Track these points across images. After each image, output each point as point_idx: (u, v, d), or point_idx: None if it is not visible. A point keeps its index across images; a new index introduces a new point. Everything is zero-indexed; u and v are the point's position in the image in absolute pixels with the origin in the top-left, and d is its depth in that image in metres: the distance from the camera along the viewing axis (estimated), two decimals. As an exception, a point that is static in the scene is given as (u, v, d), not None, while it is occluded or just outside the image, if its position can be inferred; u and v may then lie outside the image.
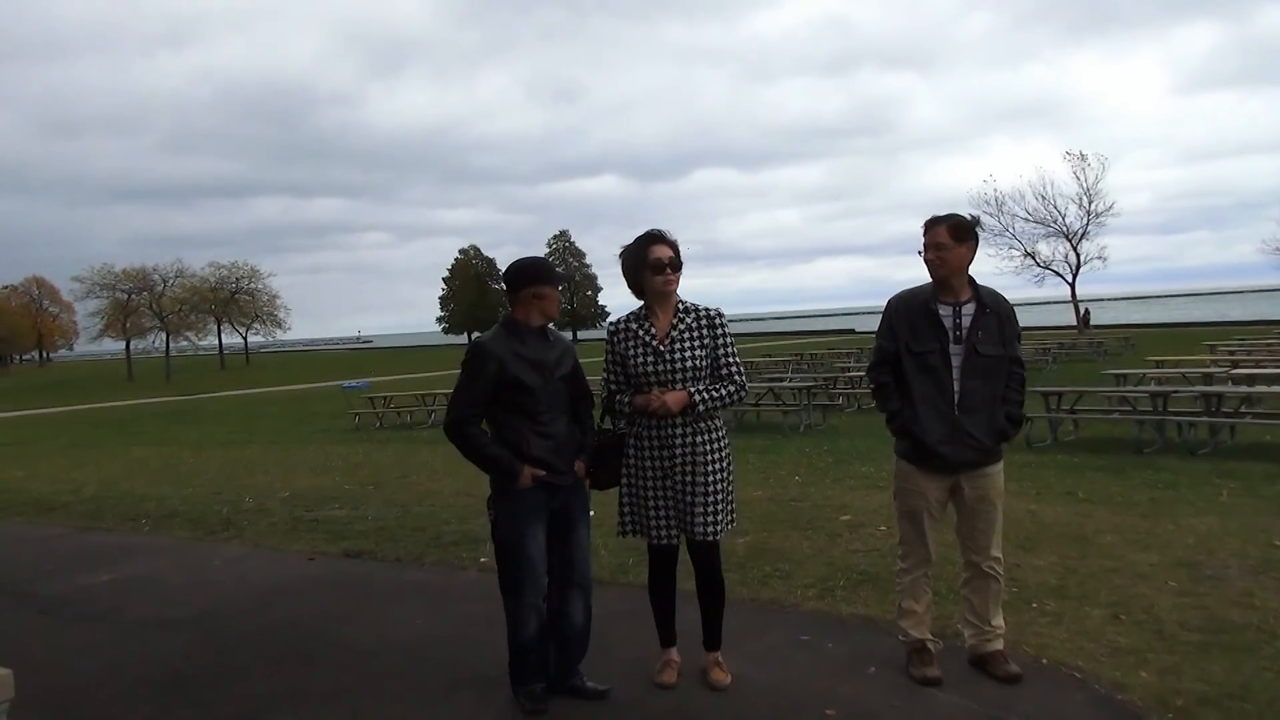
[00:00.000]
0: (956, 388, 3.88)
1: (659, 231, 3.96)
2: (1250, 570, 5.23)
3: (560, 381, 3.92)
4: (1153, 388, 12.31)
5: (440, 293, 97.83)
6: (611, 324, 4.08)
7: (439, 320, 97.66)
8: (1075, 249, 46.57)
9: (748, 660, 4.24)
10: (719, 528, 3.92)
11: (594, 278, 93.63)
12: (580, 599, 3.99)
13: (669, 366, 3.85)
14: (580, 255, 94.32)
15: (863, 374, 18.78)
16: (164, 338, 60.86)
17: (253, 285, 67.73)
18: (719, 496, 3.90)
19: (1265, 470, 8.49)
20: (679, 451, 3.86)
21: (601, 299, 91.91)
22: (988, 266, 50.18)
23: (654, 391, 3.83)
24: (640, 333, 3.93)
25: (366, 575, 6.26)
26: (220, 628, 5.26)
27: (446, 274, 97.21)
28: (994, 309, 3.90)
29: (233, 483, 10.96)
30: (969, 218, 4.01)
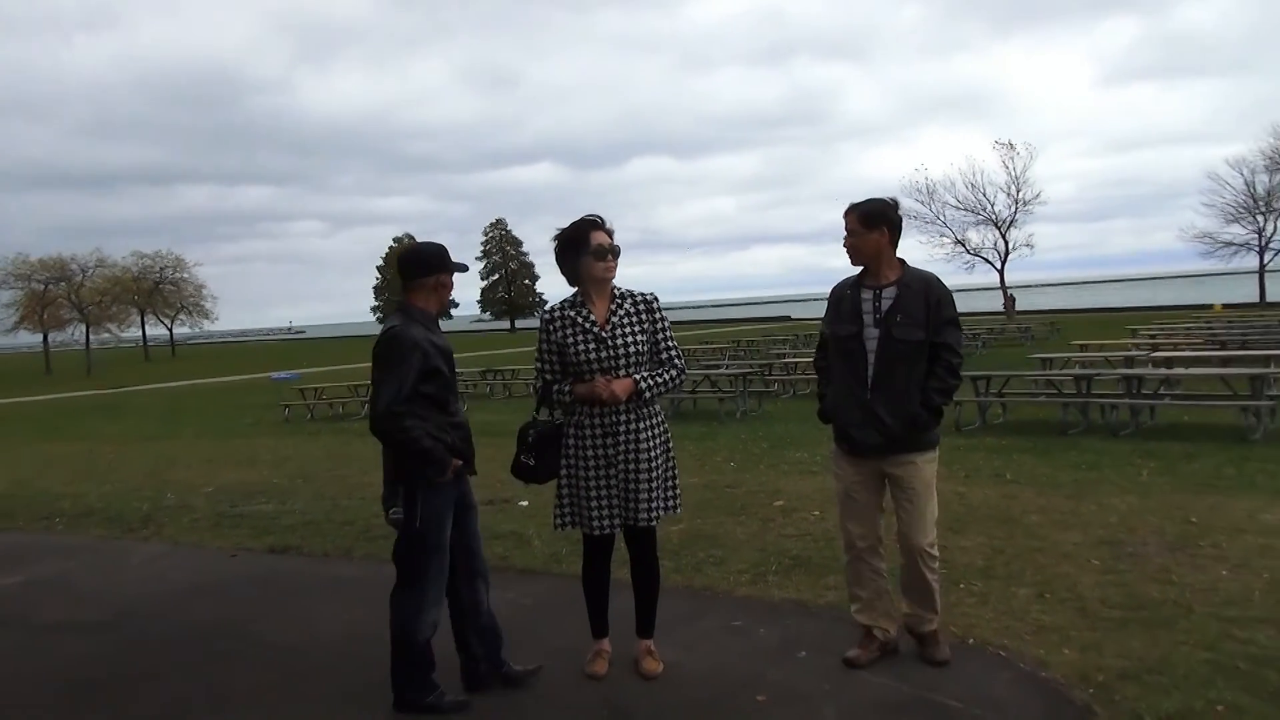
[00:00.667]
0: (870, 372, 3.88)
1: (598, 218, 3.91)
2: (1168, 547, 5.37)
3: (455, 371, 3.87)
4: (1077, 371, 12.63)
5: (374, 282, 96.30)
6: (546, 312, 3.97)
7: (373, 310, 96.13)
8: (1004, 236, 47.74)
9: (680, 648, 4.21)
10: (663, 511, 3.92)
11: (531, 266, 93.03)
12: (485, 588, 3.97)
13: (612, 353, 3.80)
14: (517, 244, 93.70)
15: (797, 361, 18.99)
16: (84, 330, 58.79)
17: (178, 275, 65.78)
18: (662, 481, 3.90)
19: (1183, 449, 8.76)
20: (623, 439, 3.81)
21: (539, 287, 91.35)
22: (919, 253, 51.11)
23: (599, 380, 3.76)
24: (579, 319, 3.85)
25: (292, 571, 6.09)
26: (135, 629, 5.05)
27: (380, 263, 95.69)
28: (920, 293, 3.83)
29: (154, 478, 10.61)
30: (887, 201, 3.94)
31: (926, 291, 3.84)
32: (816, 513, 6.78)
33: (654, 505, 3.87)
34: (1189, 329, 21.51)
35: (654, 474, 3.85)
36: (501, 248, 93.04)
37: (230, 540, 7.05)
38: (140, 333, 68.83)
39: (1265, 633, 4.01)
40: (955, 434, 10.43)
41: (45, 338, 58.95)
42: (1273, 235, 43.08)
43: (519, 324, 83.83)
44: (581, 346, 3.81)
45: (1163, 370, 12.73)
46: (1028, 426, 10.97)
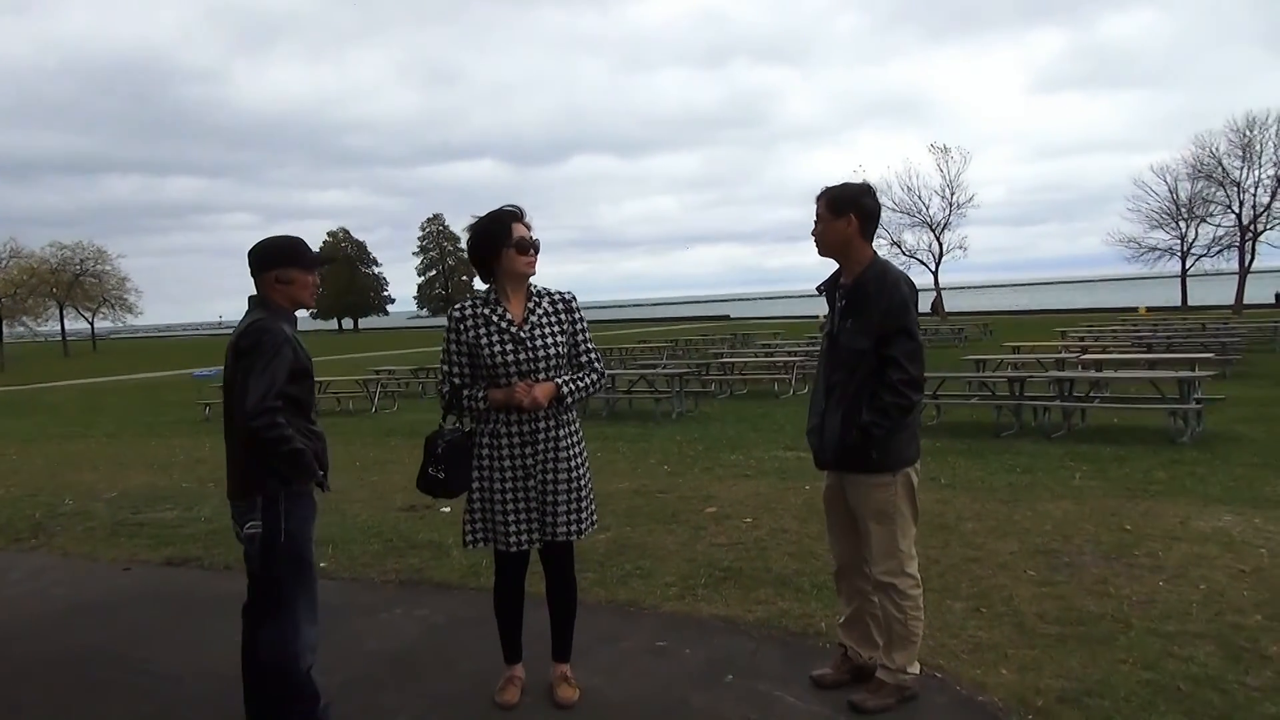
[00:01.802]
0: (823, 379, 3.62)
1: (517, 208, 3.60)
2: (1104, 556, 5.25)
3: None
4: (1010, 374, 12.66)
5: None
6: (456, 309, 3.62)
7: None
8: (938, 238, 48.49)
9: (599, 672, 3.93)
10: (582, 527, 3.63)
11: (469, 262, 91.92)
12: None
13: (531, 355, 3.50)
14: (455, 239, 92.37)
15: (734, 361, 18.86)
16: (-3, 322, 56.33)
17: (99, 267, 63.22)
18: (582, 494, 3.61)
19: (1114, 452, 8.77)
20: (542, 448, 3.53)
21: (477, 284, 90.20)
22: (857, 254, 51.50)
23: (518, 385, 3.45)
24: (494, 318, 3.54)
25: (188, 586, 5.65)
26: (3, 655, 4.60)
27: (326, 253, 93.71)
28: (874, 295, 3.38)
29: (55, 481, 9.97)
30: (860, 186, 3.54)
31: (880, 293, 3.38)
32: (749, 520, 6.56)
33: (572, 519, 3.59)
34: (1116, 331, 21.92)
35: (573, 486, 3.58)
36: (439, 243, 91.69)
37: (126, 551, 6.57)
38: (59, 327, 66.20)
39: (1204, 649, 3.88)
40: (890, 436, 10.31)
41: (-44, 331, 56.39)
42: (1194, 241, 44.39)
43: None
44: (498, 348, 3.50)
45: (1093, 373, 12.85)
46: (962, 428, 10.93)
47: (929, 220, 48.22)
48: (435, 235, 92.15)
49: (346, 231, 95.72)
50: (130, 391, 27.12)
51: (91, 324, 68.77)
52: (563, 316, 3.62)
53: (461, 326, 3.56)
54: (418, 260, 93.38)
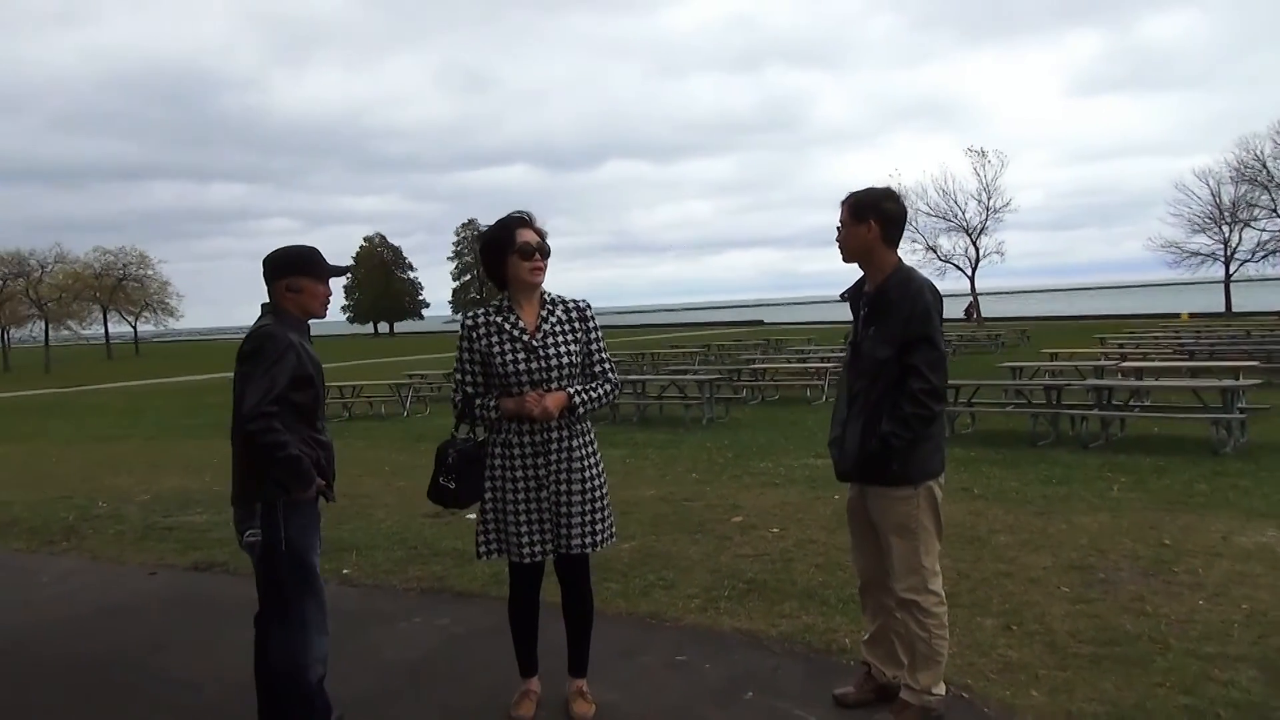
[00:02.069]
0: (845, 389, 3.54)
1: (526, 214, 3.54)
2: (1141, 573, 5.09)
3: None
4: (1047, 381, 12.43)
5: (344, 281, 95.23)
6: (469, 317, 3.56)
7: (344, 309, 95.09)
8: (975, 243, 47.93)
9: (616, 686, 3.86)
10: (598, 539, 3.55)
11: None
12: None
13: (543, 364, 3.43)
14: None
15: (766, 367, 18.72)
16: (43, 326, 57.48)
17: (141, 272, 64.37)
18: (598, 505, 3.54)
19: (1153, 463, 8.54)
20: (554, 458, 3.46)
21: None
22: (892, 259, 51.06)
23: (529, 395, 3.39)
24: (507, 326, 3.47)
25: (213, 592, 5.67)
26: (27, 659, 4.62)
27: (351, 261, 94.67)
28: (897, 302, 3.27)
29: (90, 483, 10.11)
30: (884, 191, 3.44)
31: (903, 300, 3.27)
32: (776, 530, 6.46)
33: (587, 531, 3.52)
34: (1157, 338, 21.48)
35: (587, 496, 3.51)
36: (473, 248, 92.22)
37: (154, 555, 6.62)
38: (103, 330, 67.48)
39: (1246, 673, 3.72)
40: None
41: (4, 334, 57.65)
42: (1238, 246, 43.49)
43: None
44: (510, 356, 3.44)
45: (1133, 381, 12.58)
46: (997, 437, 10.73)
47: (965, 225, 47.72)
48: (469, 240, 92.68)
49: (382, 236, 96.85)
50: (170, 394, 27.52)
51: (134, 327, 70.07)
52: (576, 325, 3.55)
53: (474, 335, 3.50)
54: (452, 265, 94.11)
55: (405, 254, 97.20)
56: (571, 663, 3.71)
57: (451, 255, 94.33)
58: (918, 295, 3.27)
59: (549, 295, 3.58)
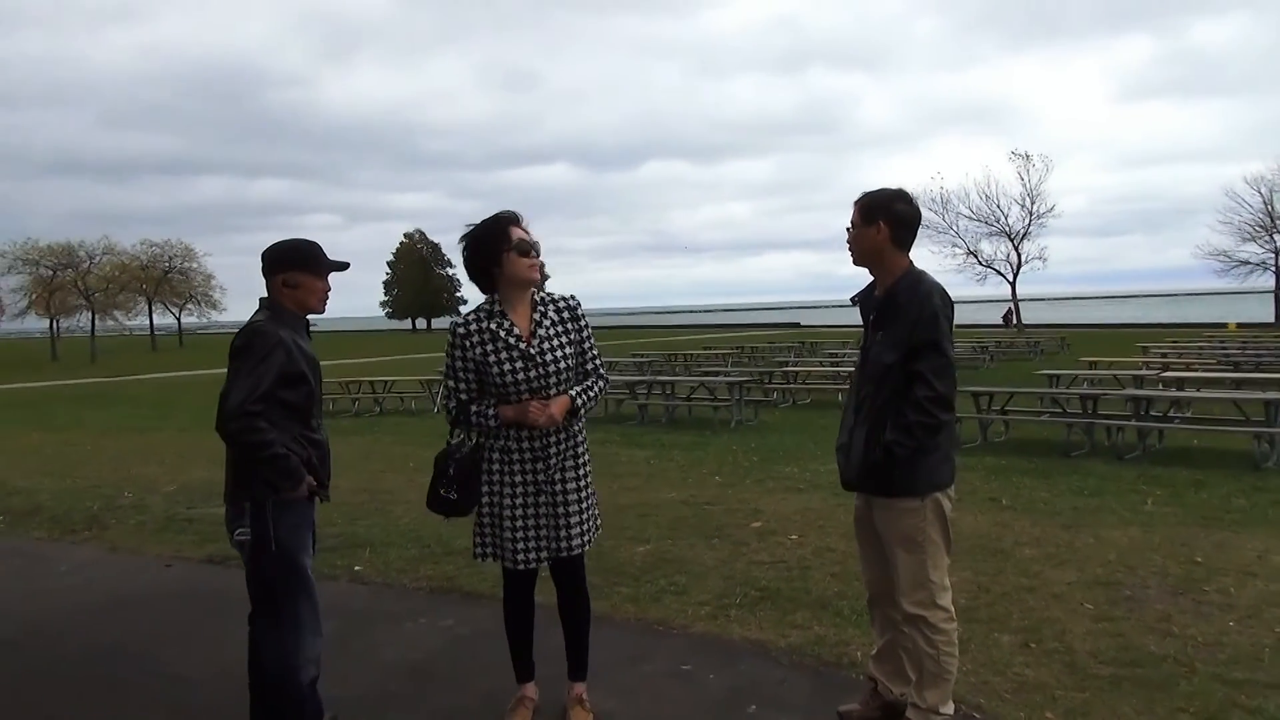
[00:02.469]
0: (854, 395, 3.43)
1: (514, 213, 3.47)
2: (1169, 591, 4.91)
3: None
4: (1083, 390, 12.14)
5: (384, 277, 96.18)
6: (459, 323, 3.45)
7: (382, 305, 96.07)
8: (1017, 249, 47.16)
9: (616, 694, 3.77)
10: (590, 537, 3.52)
11: (541, 265, 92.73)
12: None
13: (541, 372, 3.35)
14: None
15: (798, 370, 18.53)
16: (90, 316, 58.66)
17: (186, 265, 65.45)
18: (588, 504, 3.52)
19: (1190, 477, 8.28)
20: (554, 463, 3.41)
21: (549, 287, 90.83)
22: (930, 263, 50.46)
23: (533, 404, 3.32)
24: (501, 333, 3.37)
25: (225, 585, 5.63)
26: (35, 649, 4.63)
27: (391, 258, 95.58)
28: (905, 306, 3.16)
29: (120, 473, 10.23)
30: (895, 192, 3.30)
31: (911, 304, 3.16)
32: (795, 537, 6.34)
33: (584, 530, 3.49)
34: (1202, 348, 20.95)
35: (582, 496, 3.48)
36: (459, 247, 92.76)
37: (171, 547, 6.65)
38: (148, 322, 68.72)
39: (1275, 701, 3.55)
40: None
41: (53, 324, 58.85)
42: (1290, 254, 42.35)
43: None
44: (507, 366, 3.34)
45: (1173, 391, 12.24)
46: (1030, 446, 10.49)
47: (1007, 229, 46.94)
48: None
49: (422, 233, 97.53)
50: (209, 385, 27.84)
51: (179, 319, 71.25)
52: (569, 325, 3.48)
53: (467, 343, 3.39)
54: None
55: (444, 251, 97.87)
56: (571, 667, 3.64)
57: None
58: (926, 299, 3.14)
59: (538, 294, 3.51)
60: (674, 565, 5.68)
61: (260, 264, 3.34)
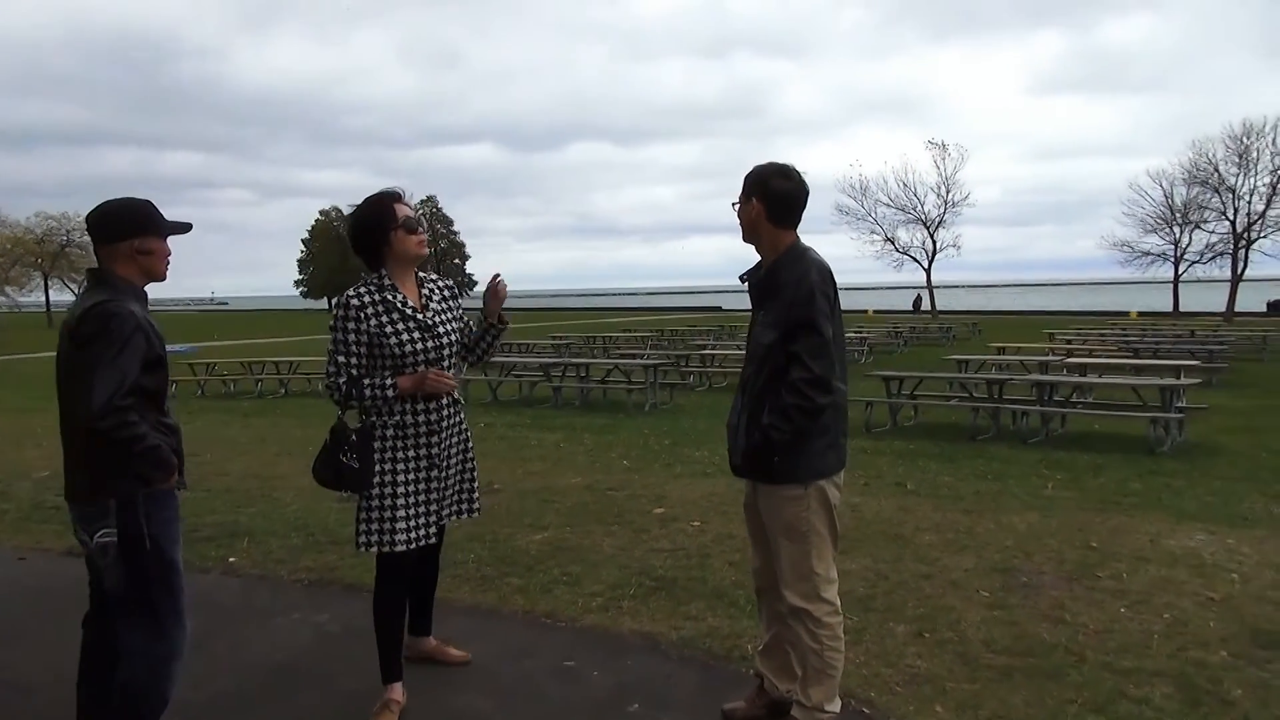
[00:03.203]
0: (741, 374, 3.26)
1: (398, 189, 3.40)
2: (1064, 578, 4.88)
3: None
4: (990, 375, 12.31)
5: (299, 255, 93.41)
6: (352, 295, 3.31)
7: (297, 284, 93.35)
8: (932, 236, 48.12)
9: (493, 694, 3.55)
10: (476, 504, 3.67)
11: (462, 245, 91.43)
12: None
13: (438, 343, 3.35)
14: (448, 222, 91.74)
15: (715, 354, 18.47)
16: (-21, 292, 55.71)
17: (86, 239, 62.48)
18: (475, 472, 3.65)
19: (1091, 461, 8.42)
20: (447, 435, 3.40)
21: (470, 267, 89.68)
22: (849, 249, 51.39)
23: (430, 371, 3.28)
24: (398, 304, 3.30)
25: (79, 581, 5.22)
26: None
27: (306, 236, 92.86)
28: (785, 283, 3.01)
29: (-10, 458, 9.57)
30: (772, 166, 3.12)
31: (789, 283, 3.01)
32: (697, 523, 6.18)
33: (474, 497, 3.64)
34: (1104, 335, 21.58)
35: (467, 466, 3.60)
36: (432, 225, 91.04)
37: (31, 539, 6.18)
38: (44, 298, 65.52)
39: (1162, 690, 3.51)
40: (864, 436, 9.97)
41: (-63, 299, 55.75)
42: (1188, 247, 44.03)
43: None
44: (405, 336, 3.29)
45: (1076, 377, 12.50)
46: (939, 430, 10.57)
47: (923, 217, 47.84)
48: (429, 217, 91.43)
49: (339, 210, 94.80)
50: (104, 366, 26.62)
51: (78, 296, 68.15)
52: (451, 305, 3.54)
53: (361, 315, 3.27)
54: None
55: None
56: (425, 624, 3.85)
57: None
58: (803, 277, 2.98)
59: (419, 272, 3.49)
60: (570, 554, 5.47)
61: (92, 229, 2.96)
